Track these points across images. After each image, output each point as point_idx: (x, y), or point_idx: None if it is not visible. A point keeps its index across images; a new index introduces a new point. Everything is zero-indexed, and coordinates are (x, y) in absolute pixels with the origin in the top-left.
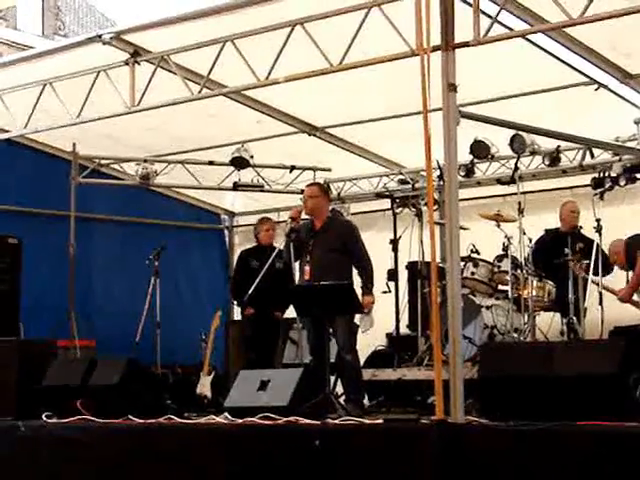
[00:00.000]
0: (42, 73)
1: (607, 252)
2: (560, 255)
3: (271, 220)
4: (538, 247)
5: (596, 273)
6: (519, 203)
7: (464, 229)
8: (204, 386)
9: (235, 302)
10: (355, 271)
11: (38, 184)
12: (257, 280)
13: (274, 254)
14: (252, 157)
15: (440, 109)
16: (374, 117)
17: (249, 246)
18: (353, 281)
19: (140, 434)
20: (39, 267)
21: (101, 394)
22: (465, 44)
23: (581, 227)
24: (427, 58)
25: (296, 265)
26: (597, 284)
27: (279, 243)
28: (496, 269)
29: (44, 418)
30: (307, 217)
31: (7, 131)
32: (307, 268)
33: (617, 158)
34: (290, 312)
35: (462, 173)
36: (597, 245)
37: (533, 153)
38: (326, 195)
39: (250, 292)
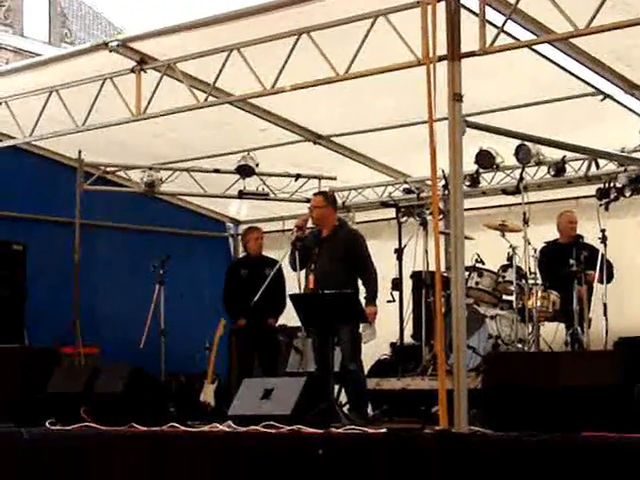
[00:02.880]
0: (48, 80)
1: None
2: (562, 266)
3: (259, 229)
4: (541, 258)
5: (601, 281)
6: (524, 213)
7: (469, 239)
8: (208, 394)
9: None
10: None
11: (43, 191)
12: (261, 290)
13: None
14: (257, 165)
15: (446, 118)
16: (379, 126)
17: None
18: (358, 290)
19: (144, 442)
20: (44, 274)
21: (105, 401)
22: (471, 54)
23: (582, 237)
24: (433, 68)
25: (302, 273)
26: None
27: (280, 252)
28: (501, 279)
29: (47, 425)
30: (313, 226)
31: (13, 138)
32: (311, 277)
33: (622, 169)
34: (294, 321)
35: (467, 183)
36: (602, 255)
37: (538, 163)
38: (332, 205)
39: (255, 300)
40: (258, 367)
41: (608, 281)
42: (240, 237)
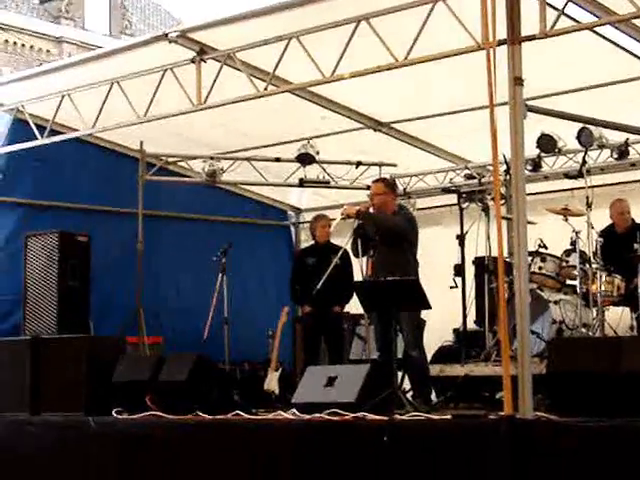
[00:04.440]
0: (109, 72)
1: None
2: (620, 253)
3: (327, 217)
4: (603, 243)
5: None
6: (587, 197)
7: (531, 224)
8: (272, 382)
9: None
10: (421, 266)
11: (107, 182)
12: (324, 277)
13: (340, 252)
14: (318, 153)
15: (506, 103)
16: (439, 112)
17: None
18: (418, 276)
19: (209, 430)
20: (108, 265)
21: (170, 390)
22: (531, 37)
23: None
24: (493, 52)
25: (364, 260)
26: None
27: (342, 240)
28: (564, 264)
29: (114, 414)
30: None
31: (76, 130)
32: (370, 263)
33: None
34: (358, 308)
35: (529, 167)
36: None
37: (601, 146)
38: (392, 191)
39: (316, 288)
40: (323, 354)
41: None
42: (302, 225)
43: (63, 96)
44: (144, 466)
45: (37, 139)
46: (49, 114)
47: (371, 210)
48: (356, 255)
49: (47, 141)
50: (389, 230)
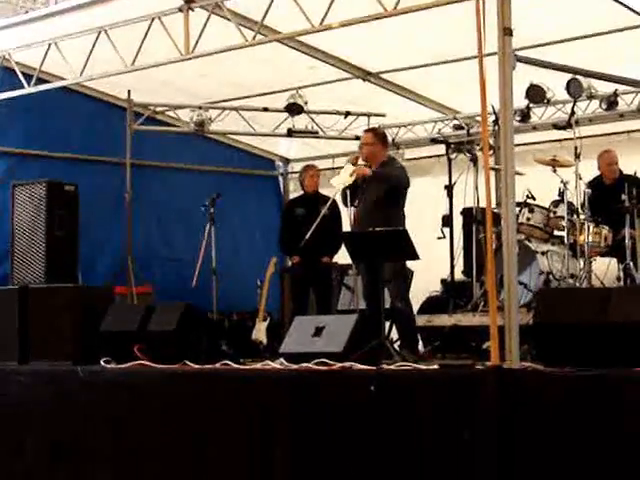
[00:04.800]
0: (96, 20)
1: None
2: (608, 204)
3: (315, 166)
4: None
5: None
6: (575, 148)
7: (519, 174)
8: (259, 332)
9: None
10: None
11: (94, 131)
12: (312, 228)
13: (329, 202)
14: (306, 103)
15: (495, 53)
16: (429, 62)
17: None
18: (404, 224)
19: (196, 379)
20: (96, 215)
21: (158, 340)
22: None
23: (627, 175)
24: (482, 2)
25: (352, 210)
26: None
27: (330, 190)
28: (552, 215)
29: (102, 363)
30: (364, 163)
31: (63, 79)
32: (355, 213)
33: None
34: (345, 258)
35: (518, 118)
36: None
37: (590, 97)
38: (382, 141)
39: (305, 239)
40: (311, 305)
41: None
42: (290, 175)
43: (50, 44)
44: (132, 415)
45: (24, 88)
46: (36, 62)
47: (360, 160)
48: (345, 204)
49: (34, 90)
50: (399, 185)
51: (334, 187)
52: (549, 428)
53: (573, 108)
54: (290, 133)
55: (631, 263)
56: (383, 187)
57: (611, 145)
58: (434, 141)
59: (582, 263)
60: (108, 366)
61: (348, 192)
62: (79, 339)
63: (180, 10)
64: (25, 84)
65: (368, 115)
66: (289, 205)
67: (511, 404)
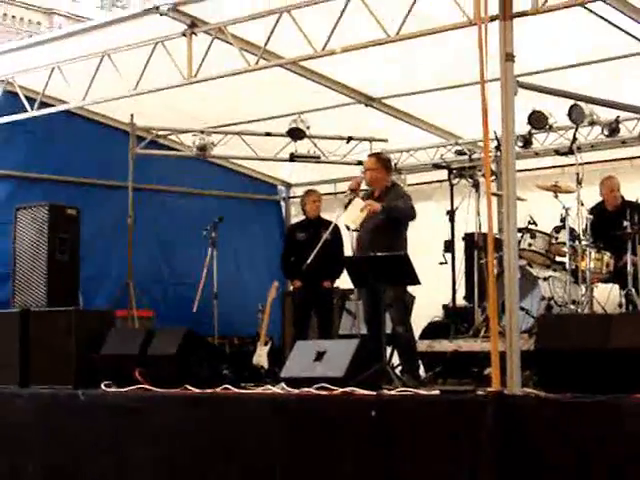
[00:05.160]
0: (100, 45)
1: None
2: (610, 230)
3: (317, 192)
4: (593, 220)
5: None
6: (577, 174)
7: (521, 200)
8: (261, 356)
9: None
10: (411, 242)
11: (96, 155)
12: (314, 253)
13: (331, 227)
14: (309, 128)
15: (498, 79)
16: (431, 88)
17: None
18: (405, 249)
19: (197, 404)
20: (98, 238)
21: (159, 364)
22: (523, 13)
23: (629, 202)
24: (485, 28)
25: (354, 235)
26: None
27: (332, 215)
28: (553, 240)
29: (103, 387)
30: (367, 188)
31: (66, 102)
32: (357, 238)
33: None
34: (346, 283)
35: (520, 144)
36: None
37: (592, 123)
38: (385, 166)
39: (306, 264)
40: (313, 329)
41: None
42: (292, 200)
43: (53, 68)
44: (133, 439)
45: (27, 111)
46: (39, 86)
47: (363, 185)
48: (348, 229)
49: (37, 113)
50: (406, 219)
51: (333, 212)
52: (549, 454)
53: (575, 134)
54: (292, 158)
55: (633, 289)
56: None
57: (613, 171)
58: (436, 166)
59: (584, 289)
60: (109, 390)
61: None
62: (80, 363)
63: (184, 35)
64: (28, 107)
65: (370, 140)
66: (291, 229)
67: (512, 430)
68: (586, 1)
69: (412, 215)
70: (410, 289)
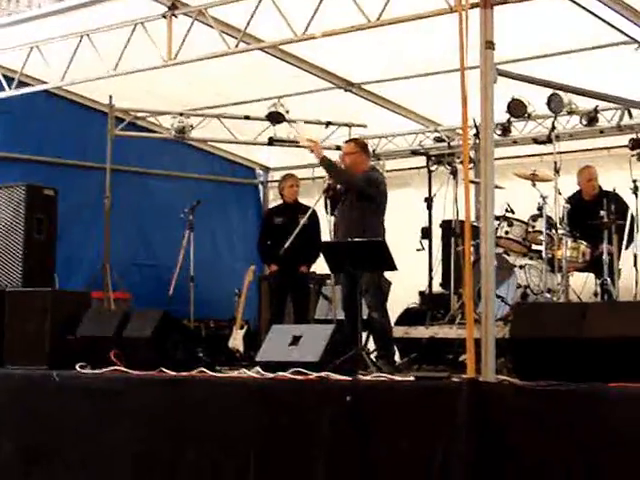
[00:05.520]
0: (80, 25)
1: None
2: (587, 219)
3: (295, 176)
4: (570, 209)
5: (631, 238)
6: (555, 163)
7: (499, 188)
8: (236, 340)
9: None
10: (389, 228)
11: (75, 136)
12: (291, 237)
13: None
14: (288, 112)
15: (477, 67)
16: (411, 74)
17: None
18: (383, 235)
19: (172, 386)
20: (75, 219)
21: (134, 346)
22: (504, 1)
23: (606, 192)
24: (465, 15)
25: (332, 220)
26: None
27: (311, 199)
28: (530, 229)
29: (78, 368)
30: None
31: (45, 82)
32: (333, 223)
33: None
34: (323, 268)
35: (498, 132)
36: (631, 216)
37: (570, 112)
38: (363, 152)
39: (284, 248)
40: (289, 314)
41: (627, 246)
42: (270, 184)
43: (32, 47)
44: (107, 421)
45: (5, 90)
46: (17, 65)
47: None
48: (327, 214)
49: (15, 93)
50: (344, 184)
51: (312, 197)
52: (524, 441)
53: (554, 123)
54: (271, 142)
55: (608, 279)
56: (354, 193)
57: (591, 161)
58: (415, 153)
59: (560, 278)
60: (83, 371)
61: (328, 202)
62: (55, 344)
63: (164, 16)
64: (6, 87)
65: (349, 125)
66: (268, 214)
67: (486, 417)
68: None
69: (349, 181)
70: (387, 275)
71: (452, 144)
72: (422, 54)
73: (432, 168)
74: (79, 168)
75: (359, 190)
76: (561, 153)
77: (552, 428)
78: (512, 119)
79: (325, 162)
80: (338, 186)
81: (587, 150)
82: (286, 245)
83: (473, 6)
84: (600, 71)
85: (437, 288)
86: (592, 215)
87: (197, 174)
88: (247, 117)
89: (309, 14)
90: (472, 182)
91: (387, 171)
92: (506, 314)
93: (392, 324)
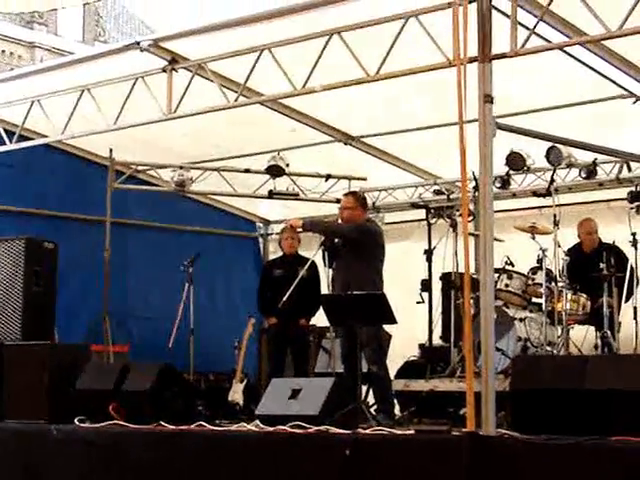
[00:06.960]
0: (81, 79)
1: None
2: (587, 272)
3: (293, 229)
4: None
5: (630, 291)
6: (554, 215)
7: (499, 241)
8: (236, 393)
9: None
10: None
11: (75, 189)
12: (290, 289)
13: (308, 264)
14: (288, 165)
15: (476, 120)
16: (410, 127)
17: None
18: (381, 288)
19: (171, 440)
20: (75, 272)
21: (133, 399)
22: (502, 55)
23: (605, 244)
24: (464, 69)
25: (331, 272)
26: None
27: (312, 252)
28: (530, 281)
29: (77, 422)
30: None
31: (45, 136)
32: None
33: None
34: (324, 321)
35: (497, 184)
36: (631, 268)
37: (569, 165)
38: (362, 205)
39: (283, 301)
40: (288, 367)
41: (627, 299)
42: (271, 236)
43: (33, 102)
44: (106, 475)
45: (6, 144)
46: (18, 119)
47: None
48: (326, 267)
49: (16, 146)
50: (333, 236)
51: (312, 250)
52: None
53: (553, 176)
54: (271, 195)
55: (608, 331)
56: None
57: (590, 214)
58: (414, 206)
59: (560, 330)
60: (82, 425)
61: (326, 254)
62: (54, 397)
63: (164, 70)
64: (7, 140)
65: (349, 178)
66: (267, 266)
67: (485, 471)
68: (564, 45)
69: (339, 233)
70: (387, 327)
71: (452, 197)
72: (421, 107)
73: (432, 221)
74: (79, 221)
75: (348, 238)
76: (560, 206)
77: None
78: (511, 172)
79: (307, 228)
80: (335, 240)
81: (586, 203)
82: (285, 297)
83: (472, 60)
84: (598, 124)
85: (437, 341)
86: (592, 267)
87: (197, 227)
88: (247, 170)
89: (308, 68)
90: (471, 235)
91: (387, 224)
92: (506, 367)
93: (392, 377)
